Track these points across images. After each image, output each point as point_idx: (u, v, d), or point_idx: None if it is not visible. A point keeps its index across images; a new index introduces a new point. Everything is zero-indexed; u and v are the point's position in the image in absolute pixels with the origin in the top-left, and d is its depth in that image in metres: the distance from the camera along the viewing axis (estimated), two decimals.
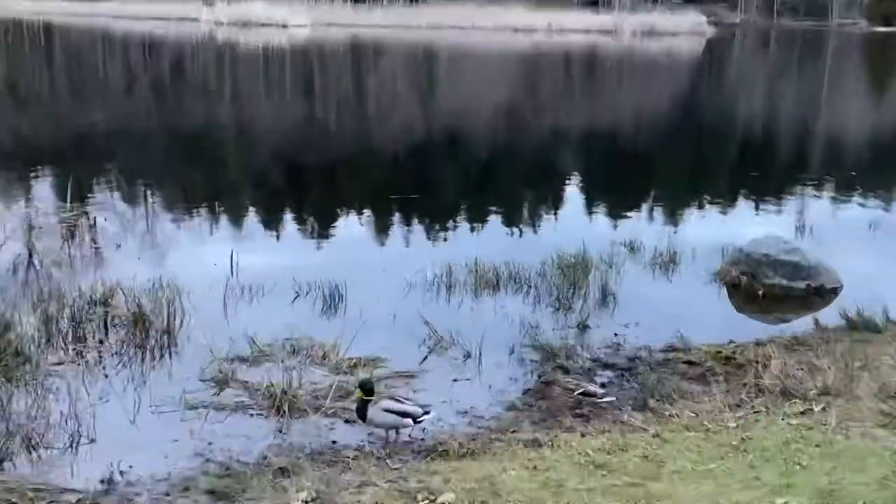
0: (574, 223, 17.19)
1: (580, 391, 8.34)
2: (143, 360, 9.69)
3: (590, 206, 19.31)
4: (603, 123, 33.79)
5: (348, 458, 7.34)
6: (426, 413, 7.88)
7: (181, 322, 10.39)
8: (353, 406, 7.85)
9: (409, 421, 7.77)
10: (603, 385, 9.10)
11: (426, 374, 9.45)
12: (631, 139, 30.27)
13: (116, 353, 9.81)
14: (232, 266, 13.15)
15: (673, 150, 28.17)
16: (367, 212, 18.15)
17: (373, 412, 7.64)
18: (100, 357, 9.68)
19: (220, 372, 9.10)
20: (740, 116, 37.08)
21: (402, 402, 7.91)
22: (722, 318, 11.72)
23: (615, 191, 21.34)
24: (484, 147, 27.31)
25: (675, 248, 14.22)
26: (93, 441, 7.68)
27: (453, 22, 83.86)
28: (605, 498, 6.38)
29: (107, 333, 10.25)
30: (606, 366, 9.77)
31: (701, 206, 19.26)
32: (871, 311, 11.13)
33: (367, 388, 7.70)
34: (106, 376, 9.20)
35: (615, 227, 17.02)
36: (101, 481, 6.98)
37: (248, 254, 13.98)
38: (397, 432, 7.72)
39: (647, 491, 6.47)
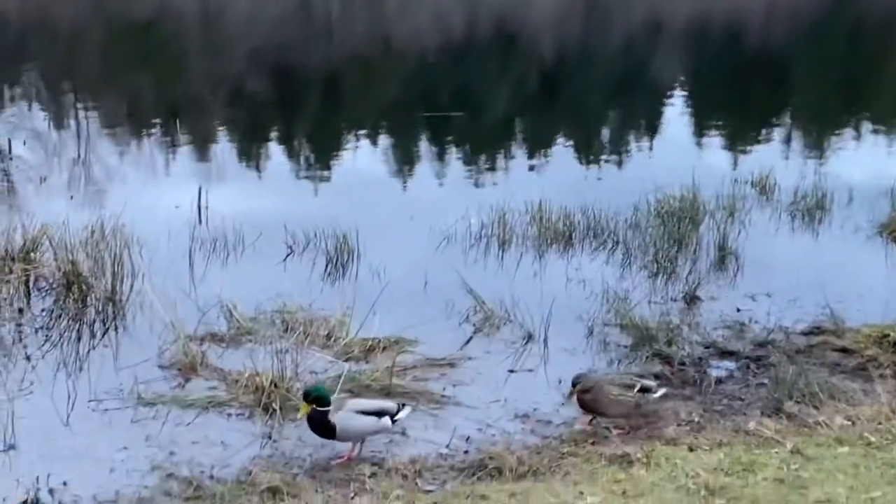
0: (678, 153, 17.04)
1: (638, 387, 8.33)
2: (78, 336, 9.74)
3: (700, 127, 19.13)
4: (718, 8, 33.34)
5: (363, 475, 7.37)
6: (401, 409, 7.98)
7: (131, 286, 10.41)
8: (306, 424, 7.81)
9: (388, 421, 7.87)
10: (719, 378, 9.03)
11: (470, 362, 9.43)
12: (759, 33, 29.88)
13: (42, 328, 9.88)
14: (199, 209, 13.18)
15: (820, 48, 27.75)
16: (386, 136, 18.13)
17: (342, 419, 7.64)
18: (19, 333, 9.76)
19: (186, 355, 9.13)
20: None
21: (371, 400, 8.05)
22: (890, 287, 11.60)
23: (737, 107, 21.11)
24: (550, 44, 27.14)
25: (824, 189, 14.06)
26: (11, 448, 7.75)
27: None
28: None
29: (28, 300, 10.33)
30: (725, 353, 9.65)
31: (859, 130, 19.00)
32: None
33: (315, 397, 7.68)
34: (28, 359, 9.27)
35: (737, 158, 16.85)
36: (24, 503, 7.07)
37: (222, 192, 14.01)
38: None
39: None
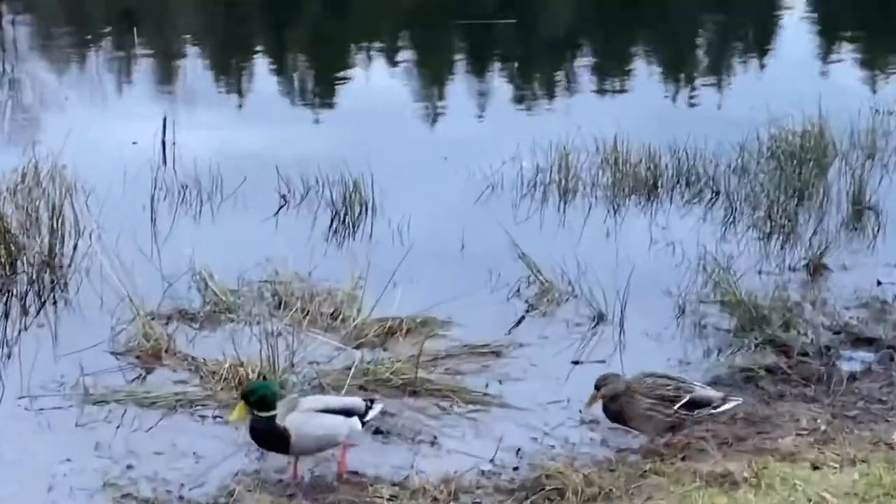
0: (799, 75, 16.97)
1: (683, 401, 8.19)
2: (5, 313, 9.84)
3: (829, 42, 19.02)
4: None
5: (380, 497, 7.41)
6: (370, 407, 7.92)
7: (75, 246, 10.53)
8: (249, 433, 7.64)
9: (357, 422, 7.80)
10: (853, 374, 9.02)
11: (522, 350, 9.48)
12: None
13: None
14: (164, 146, 13.23)
15: None
16: (410, 51, 18.11)
17: (299, 423, 7.47)
18: None
19: (147, 338, 9.20)
20: None
21: (332, 396, 8.09)
22: None
23: (877, 14, 20.95)
24: None
25: None
26: None
27: None
28: None
29: None
30: (860, 340, 9.66)
31: None
32: None
33: (259, 398, 7.47)
34: None
35: (877, 82, 16.76)
36: None
37: (193, 123, 14.07)
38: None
39: None
